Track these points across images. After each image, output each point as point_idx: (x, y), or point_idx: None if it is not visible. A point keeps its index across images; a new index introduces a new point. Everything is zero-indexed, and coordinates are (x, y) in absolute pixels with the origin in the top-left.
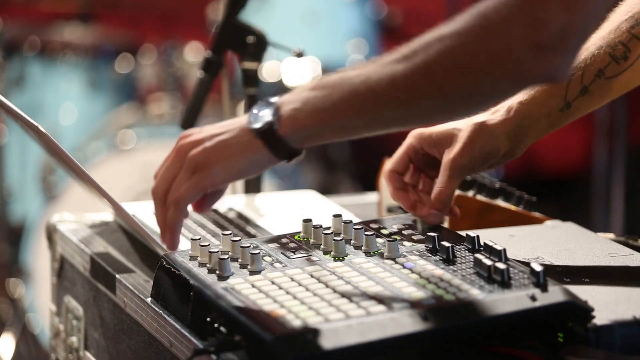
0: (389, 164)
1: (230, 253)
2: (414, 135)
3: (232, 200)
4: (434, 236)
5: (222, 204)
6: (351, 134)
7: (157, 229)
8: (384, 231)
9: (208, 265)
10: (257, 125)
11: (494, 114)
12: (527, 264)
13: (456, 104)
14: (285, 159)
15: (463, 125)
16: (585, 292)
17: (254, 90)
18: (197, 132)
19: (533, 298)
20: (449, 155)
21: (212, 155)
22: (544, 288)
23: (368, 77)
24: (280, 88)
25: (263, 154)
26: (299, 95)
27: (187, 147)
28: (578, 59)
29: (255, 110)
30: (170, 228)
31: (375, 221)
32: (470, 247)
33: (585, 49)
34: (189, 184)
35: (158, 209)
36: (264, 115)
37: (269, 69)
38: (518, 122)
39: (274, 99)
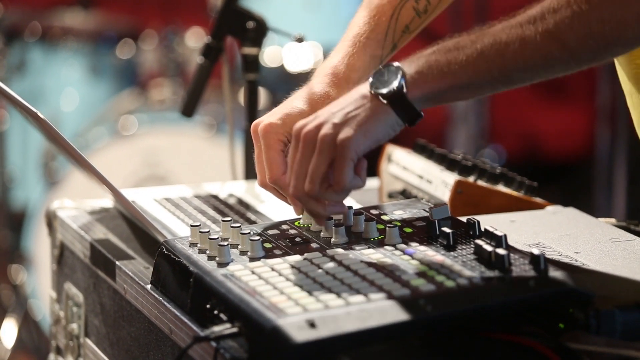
0: (270, 173)
1: (230, 239)
2: (275, 130)
3: (232, 186)
4: (435, 222)
5: (222, 190)
6: (473, 94)
7: (157, 216)
8: (385, 217)
9: (208, 251)
10: (385, 90)
11: (336, 86)
12: (528, 250)
13: (583, 64)
14: (410, 122)
15: (308, 106)
16: (586, 278)
17: (254, 76)
18: (312, 119)
19: (534, 284)
20: None
21: (346, 128)
22: (544, 274)
23: (495, 40)
24: (281, 73)
25: (392, 119)
26: (420, 60)
27: (313, 132)
28: (386, 15)
29: (376, 77)
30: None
31: (375, 207)
32: (471, 233)
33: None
34: (341, 165)
35: (311, 205)
36: (390, 80)
37: (271, 54)
38: (352, 88)
39: (395, 65)
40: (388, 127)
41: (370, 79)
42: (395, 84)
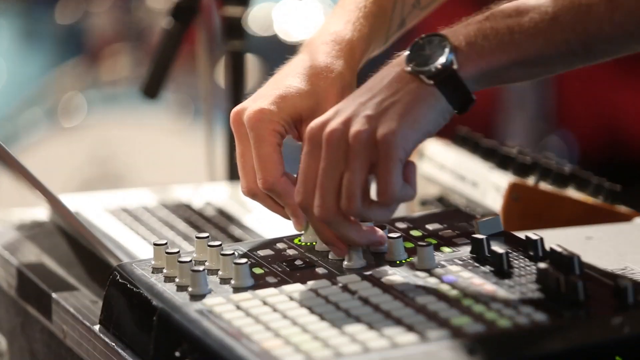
0: (264, 176)
1: (207, 263)
2: (268, 118)
3: (210, 191)
4: (483, 239)
5: (197, 196)
6: (541, 72)
7: (109, 231)
8: (415, 232)
9: (177, 279)
10: (429, 67)
11: (340, 57)
12: (611, 277)
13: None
14: (461, 109)
15: (308, 84)
16: None
17: (239, 44)
18: (333, 114)
19: (619, 324)
20: None
21: (386, 121)
22: (633, 310)
23: (572, 1)
24: (272, 42)
25: (441, 104)
26: (469, 27)
27: (341, 132)
28: None
29: (415, 51)
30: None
31: (403, 219)
32: (531, 253)
33: None
34: (386, 169)
35: (345, 229)
36: (434, 54)
37: (257, 17)
38: (360, 61)
39: (438, 35)
40: (438, 115)
41: (406, 54)
42: (442, 60)
